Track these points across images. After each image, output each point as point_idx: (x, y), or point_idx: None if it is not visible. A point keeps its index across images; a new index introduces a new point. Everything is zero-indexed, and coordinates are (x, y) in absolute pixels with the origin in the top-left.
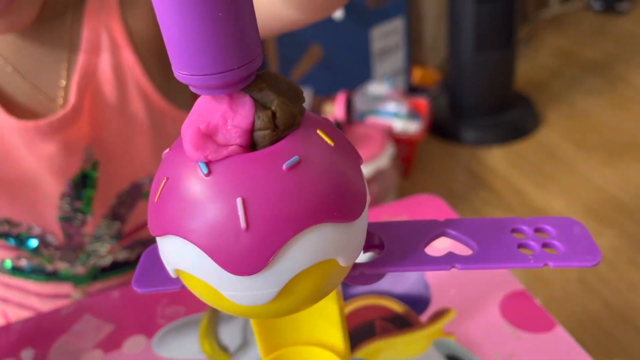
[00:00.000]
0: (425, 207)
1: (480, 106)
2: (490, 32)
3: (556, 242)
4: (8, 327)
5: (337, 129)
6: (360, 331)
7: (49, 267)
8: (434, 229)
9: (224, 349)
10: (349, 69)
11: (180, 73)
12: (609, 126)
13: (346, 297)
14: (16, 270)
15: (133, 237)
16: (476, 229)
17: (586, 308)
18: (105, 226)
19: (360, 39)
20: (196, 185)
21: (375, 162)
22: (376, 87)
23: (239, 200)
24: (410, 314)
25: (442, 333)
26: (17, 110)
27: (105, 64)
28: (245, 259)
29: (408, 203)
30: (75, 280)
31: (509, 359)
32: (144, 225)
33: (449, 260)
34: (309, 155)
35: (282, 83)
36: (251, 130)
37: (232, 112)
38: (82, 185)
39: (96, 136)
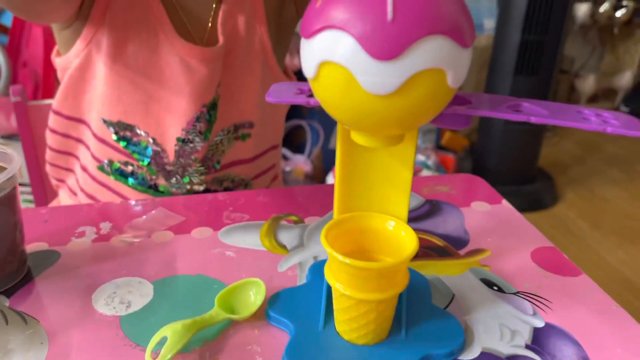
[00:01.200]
0: (468, 182)
1: (503, 174)
2: None
3: (612, 121)
4: (90, 205)
5: None
6: None
7: (151, 180)
8: (512, 100)
9: (282, 246)
10: None
11: None
12: (625, 214)
13: None
14: (119, 173)
15: (226, 171)
16: (547, 105)
17: None
18: (210, 154)
19: None
20: None
21: None
22: None
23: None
24: (450, 247)
25: (478, 264)
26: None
27: (242, 17)
28: (386, 45)
29: (453, 177)
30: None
31: (537, 290)
32: (237, 163)
33: (526, 115)
34: None
35: None
36: None
37: None
38: (209, 112)
39: (225, 74)
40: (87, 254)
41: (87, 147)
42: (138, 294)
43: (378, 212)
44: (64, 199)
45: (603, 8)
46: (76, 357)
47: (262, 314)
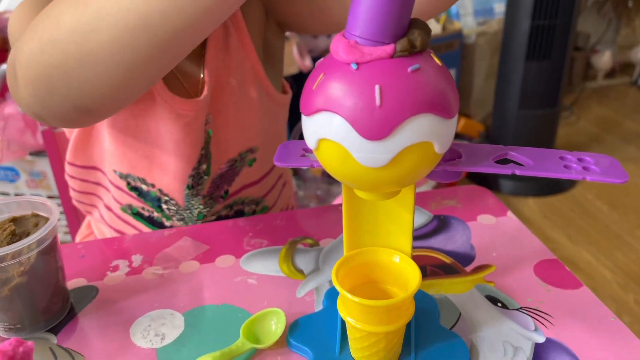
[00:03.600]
0: (474, 194)
1: None
2: (536, 91)
3: (593, 167)
4: (121, 237)
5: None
6: None
7: (167, 223)
8: (500, 150)
9: (299, 271)
10: None
11: (353, 35)
12: None
13: None
14: (138, 216)
15: (234, 197)
16: (532, 153)
17: None
18: (215, 187)
19: None
20: (348, 76)
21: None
22: None
23: (377, 87)
24: (457, 264)
25: (484, 280)
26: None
27: (228, 54)
28: (375, 127)
29: (459, 190)
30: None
31: (539, 304)
32: (245, 187)
33: (511, 168)
34: (426, 67)
35: (421, 23)
36: (393, 53)
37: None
38: (206, 149)
39: (215, 109)
40: (122, 288)
41: (107, 190)
42: (171, 326)
43: (384, 247)
44: (94, 224)
45: None
46: None
47: (284, 342)
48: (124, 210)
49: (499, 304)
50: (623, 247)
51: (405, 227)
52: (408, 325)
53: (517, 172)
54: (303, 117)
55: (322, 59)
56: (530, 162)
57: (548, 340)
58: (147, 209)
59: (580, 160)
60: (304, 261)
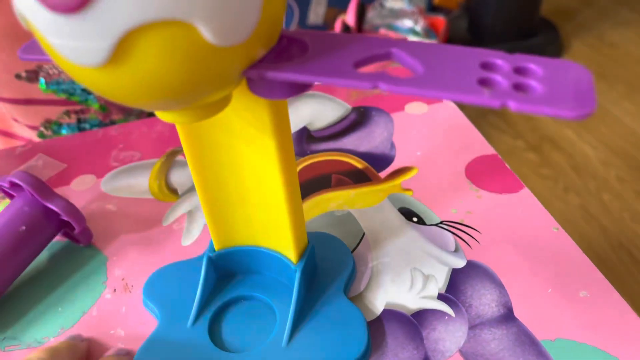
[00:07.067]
0: None
1: (501, 30)
2: None
3: (533, 83)
4: None
5: None
6: (313, 183)
7: (105, 120)
8: (380, 48)
9: (172, 190)
10: None
11: None
12: (635, 59)
13: (305, 153)
14: (65, 131)
15: None
16: (436, 55)
17: (583, 233)
18: None
19: None
20: None
21: None
22: (393, 2)
23: None
24: (369, 170)
25: (400, 188)
26: None
27: None
28: None
29: None
30: None
31: (465, 216)
32: None
33: (375, 77)
34: None
35: None
36: None
37: None
38: None
39: None
40: None
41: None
42: None
43: (249, 177)
44: None
45: None
46: None
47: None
48: (41, 135)
49: (415, 219)
50: (608, 119)
51: (268, 154)
52: (292, 296)
53: (383, 87)
54: None
55: None
56: (421, 69)
57: (469, 264)
58: (73, 113)
59: (517, 70)
60: (183, 177)
